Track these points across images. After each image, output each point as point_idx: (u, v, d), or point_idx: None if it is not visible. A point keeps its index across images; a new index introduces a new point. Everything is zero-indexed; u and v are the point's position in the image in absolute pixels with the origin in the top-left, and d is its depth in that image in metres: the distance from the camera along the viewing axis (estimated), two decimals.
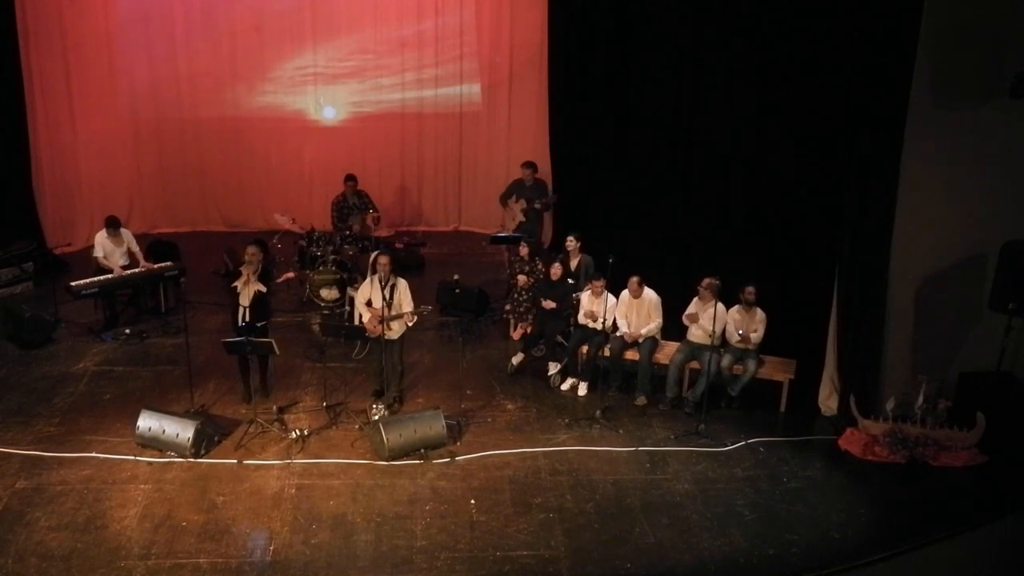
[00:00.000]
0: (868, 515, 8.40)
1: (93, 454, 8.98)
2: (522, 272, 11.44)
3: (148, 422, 9.06)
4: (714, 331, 9.83)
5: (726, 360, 10.11)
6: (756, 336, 10.12)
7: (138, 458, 8.91)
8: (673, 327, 10.56)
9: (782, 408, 10.19)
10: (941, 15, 8.78)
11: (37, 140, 14.26)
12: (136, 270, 12.20)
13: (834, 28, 9.80)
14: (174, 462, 8.88)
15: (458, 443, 9.37)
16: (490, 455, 9.18)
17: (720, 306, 9.90)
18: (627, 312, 10.52)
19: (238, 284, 9.68)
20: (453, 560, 7.60)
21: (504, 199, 13.45)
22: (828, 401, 10.08)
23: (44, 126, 14.43)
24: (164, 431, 8.99)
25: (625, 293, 10.50)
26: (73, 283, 11.77)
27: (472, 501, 8.42)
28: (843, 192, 9.54)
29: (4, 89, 13.44)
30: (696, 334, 10.28)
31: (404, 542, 7.81)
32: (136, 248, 12.38)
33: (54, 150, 14.67)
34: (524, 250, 11.56)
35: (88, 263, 12.61)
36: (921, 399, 9.35)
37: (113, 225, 12.11)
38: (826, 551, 7.85)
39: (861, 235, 9.35)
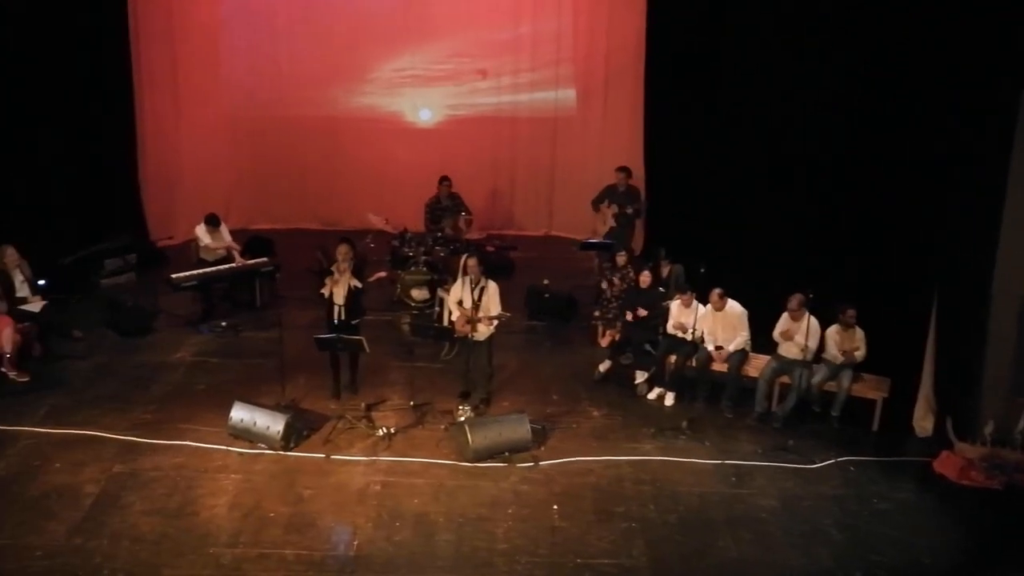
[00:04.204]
0: (960, 541, 8.13)
1: (186, 442, 9.18)
2: (614, 278, 11.40)
3: (241, 413, 9.25)
4: (806, 346, 9.64)
5: (818, 376, 9.91)
6: (859, 355, 9.90)
7: (229, 448, 9.11)
8: (763, 340, 10.39)
9: (875, 427, 9.95)
10: None
11: (144, 133, 14.59)
12: (232, 265, 12.48)
13: (937, 23, 9.40)
14: (264, 454, 9.04)
15: (542, 448, 9.35)
16: (573, 461, 9.15)
17: (814, 321, 9.70)
18: (712, 326, 10.38)
19: (325, 291, 9.85)
20: (533, 565, 7.59)
21: (596, 203, 13.45)
22: (923, 422, 9.78)
23: (151, 119, 14.73)
24: (256, 423, 9.16)
25: (708, 307, 10.36)
26: (173, 275, 12.09)
27: (554, 506, 8.40)
28: (946, 203, 9.25)
29: (115, 81, 13.80)
30: (788, 349, 10.10)
31: (485, 544, 7.83)
32: (233, 244, 12.66)
33: (159, 143, 14.97)
34: (622, 259, 11.55)
35: (188, 256, 12.93)
36: (1022, 423, 9.05)
37: (213, 223, 12.43)
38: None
39: (963, 250, 9.06)
